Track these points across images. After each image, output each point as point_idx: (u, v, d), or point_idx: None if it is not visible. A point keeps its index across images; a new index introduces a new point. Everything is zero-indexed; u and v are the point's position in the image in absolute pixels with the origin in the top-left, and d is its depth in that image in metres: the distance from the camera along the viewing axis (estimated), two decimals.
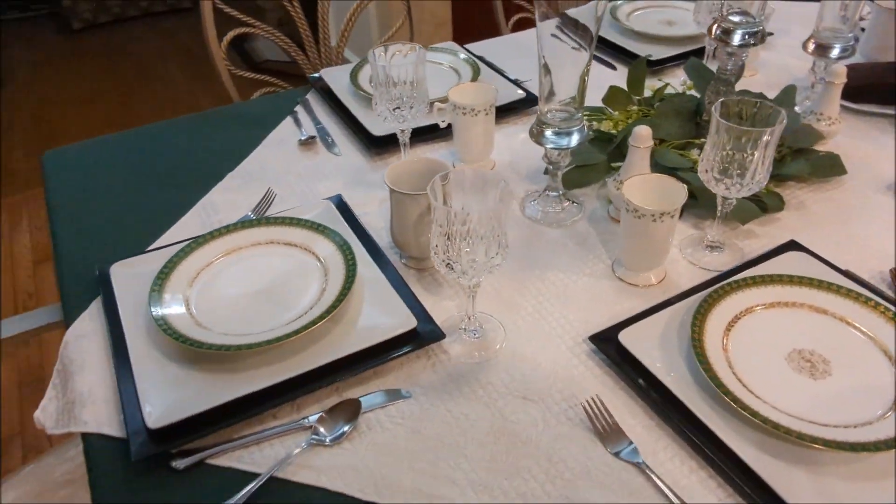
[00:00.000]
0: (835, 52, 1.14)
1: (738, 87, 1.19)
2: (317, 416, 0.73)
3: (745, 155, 0.83)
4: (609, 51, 1.45)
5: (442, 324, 0.84)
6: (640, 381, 0.75)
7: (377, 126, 1.17)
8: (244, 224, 0.94)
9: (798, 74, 1.33)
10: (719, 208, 0.90)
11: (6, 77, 3.59)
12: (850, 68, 1.24)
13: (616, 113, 1.14)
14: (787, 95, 1.12)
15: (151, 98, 3.44)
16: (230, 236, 0.93)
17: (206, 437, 0.72)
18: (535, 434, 0.72)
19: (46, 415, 0.79)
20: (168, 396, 0.73)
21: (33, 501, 1.03)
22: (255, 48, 3.61)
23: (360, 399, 0.75)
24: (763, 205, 0.98)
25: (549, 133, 0.93)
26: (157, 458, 0.70)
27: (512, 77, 1.38)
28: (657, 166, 1.02)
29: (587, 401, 0.74)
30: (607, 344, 0.79)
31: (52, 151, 1.24)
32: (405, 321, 0.81)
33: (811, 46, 1.15)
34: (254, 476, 0.69)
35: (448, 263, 0.73)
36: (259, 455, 0.71)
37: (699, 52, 1.37)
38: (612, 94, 1.13)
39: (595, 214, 1.02)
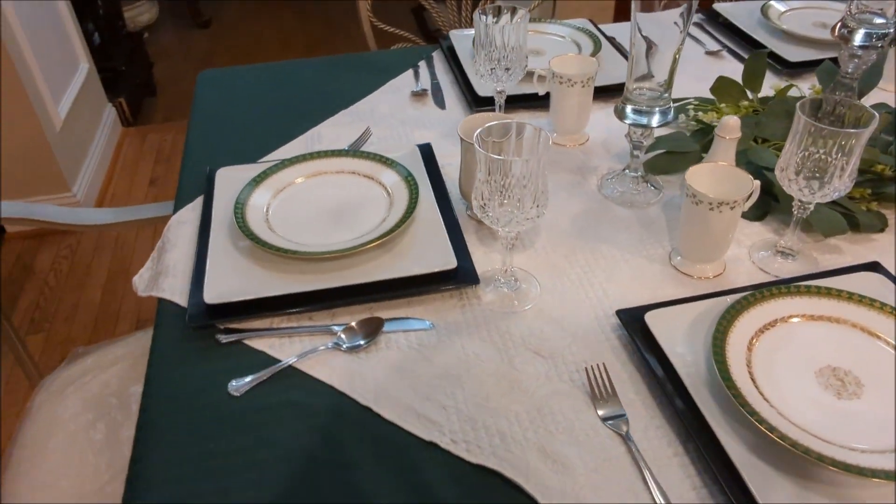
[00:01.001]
0: None
1: (873, 100, 1.10)
2: (344, 326, 0.81)
3: (826, 157, 0.78)
4: (751, 49, 1.38)
5: (483, 272, 0.88)
6: (648, 357, 0.75)
7: (483, 87, 1.22)
8: (332, 153, 1.04)
9: None
10: (795, 212, 0.85)
11: (215, 17, 4.02)
12: None
13: (724, 106, 1.10)
14: None
15: (330, 43, 3.73)
16: (318, 161, 1.02)
17: (250, 321, 0.82)
18: (534, 386, 0.75)
19: (141, 280, 0.94)
20: (228, 281, 0.84)
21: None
22: (429, 16, 3.75)
23: (385, 319, 0.82)
24: (855, 220, 0.91)
25: (629, 110, 0.93)
26: (208, 329, 0.81)
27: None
28: (748, 164, 0.98)
29: (592, 365, 0.76)
30: (633, 320, 0.79)
31: (207, 71, 1.41)
32: (446, 261, 0.86)
33: None
34: (278, 361, 0.78)
35: (484, 210, 0.77)
36: (289, 346, 0.80)
37: None
38: (722, 86, 1.09)
39: (672, 202, 1.00)
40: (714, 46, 1.42)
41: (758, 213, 0.96)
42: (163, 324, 0.84)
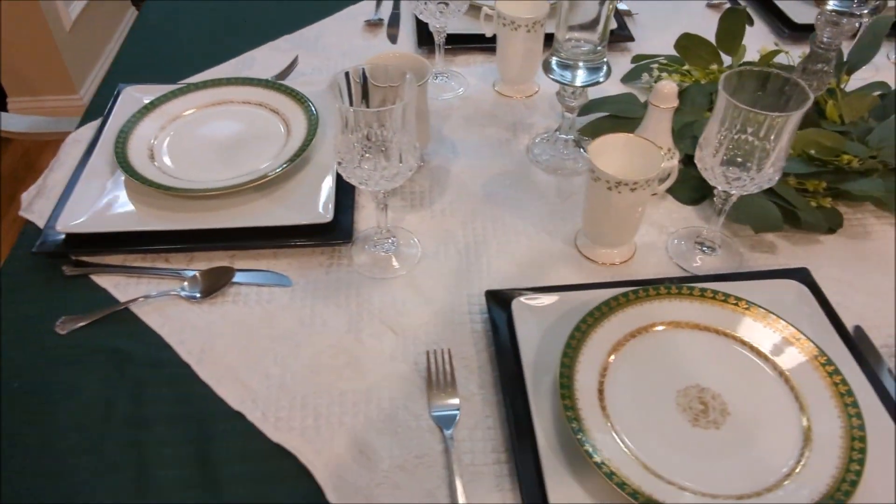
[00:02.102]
0: None
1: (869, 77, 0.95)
2: (194, 273, 0.75)
3: (751, 141, 0.66)
4: (768, 15, 1.20)
5: (365, 231, 0.80)
6: (501, 349, 0.66)
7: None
8: (242, 81, 0.95)
9: None
10: (716, 202, 0.74)
11: None
12: None
13: (687, 68, 0.96)
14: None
15: None
16: (224, 89, 0.95)
17: (104, 256, 0.77)
18: (373, 364, 0.68)
19: (28, 197, 0.89)
20: (91, 210, 0.79)
21: None
22: None
23: (239, 270, 0.75)
24: (797, 217, 0.79)
25: (555, 62, 0.81)
26: (59, 259, 0.77)
27: (623, 6, 1.21)
28: (693, 139, 0.85)
29: (436, 350, 0.68)
30: (501, 304, 0.70)
31: None
32: (320, 215, 0.78)
33: None
34: (118, 302, 0.73)
35: (342, 166, 0.68)
36: (134, 288, 0.75)
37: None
38: (689, 45, 0.95)
39: None
40: None
41: (694, 196, 0.85)
42: (20, 246, 0.80)
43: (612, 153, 0.73)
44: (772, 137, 0.65)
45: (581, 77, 0.80)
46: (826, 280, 0.75)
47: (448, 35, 1.04)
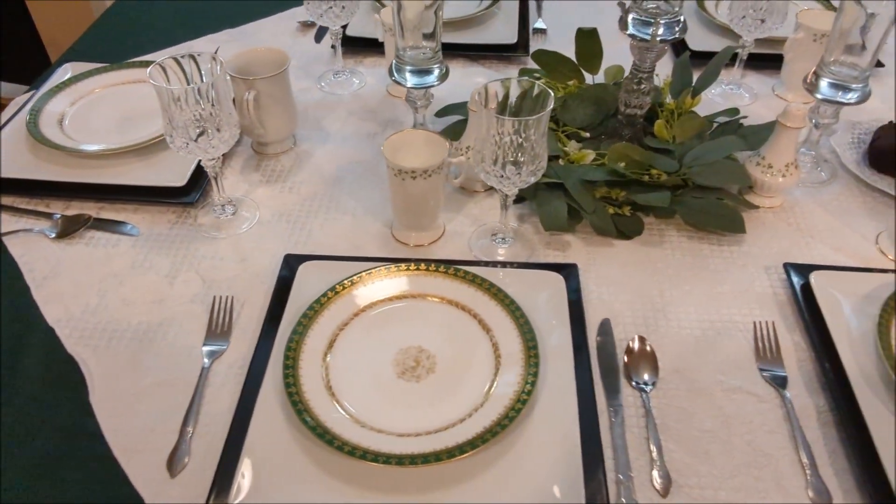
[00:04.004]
0: (847, 95, 0.89)
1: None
2: (58, 216, 0.89)
3: (509, 142, 0.74)
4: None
5: (212, 197, 0.92)
6: (272, 304, 0.77)
7: (355, 26, 1.22)
8: (139, 63, 1.11)
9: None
10: (499, 197, 0.82)
11: None
12: (885, 128, 0.98)
13: (540, 80, 1.03)
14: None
15: None
16: (130, 70, 1.10)
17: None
18: (174, 304, 0.80)
19: None
20: None
21: None
22: None
23: (98, 220, 0.89)
24: (574, 219, 0.86)
25: (394, 66, 0.92)
26: None
27: (541, 26, 1.30)
28: None
29: (222, 297, 0.79)
30: (292, 266, 0.81)
31: None
32: (176, 179, 0.91)
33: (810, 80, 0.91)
34: None
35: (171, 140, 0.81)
36: (13, 223, 0.89)
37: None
38: (549, 60, 1.03)
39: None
40: None
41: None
42: None
43: (410, 148, 0.83)
44: (522, 140, 0.73)
45: (411, 80, 0.91)
46: (599, 277, 0.82)
47: (365, 38, 1.17)
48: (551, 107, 0.72)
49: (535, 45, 1.26)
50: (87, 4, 2.44)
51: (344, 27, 1.23)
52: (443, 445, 0.61)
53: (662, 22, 0.81)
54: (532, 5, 1.37)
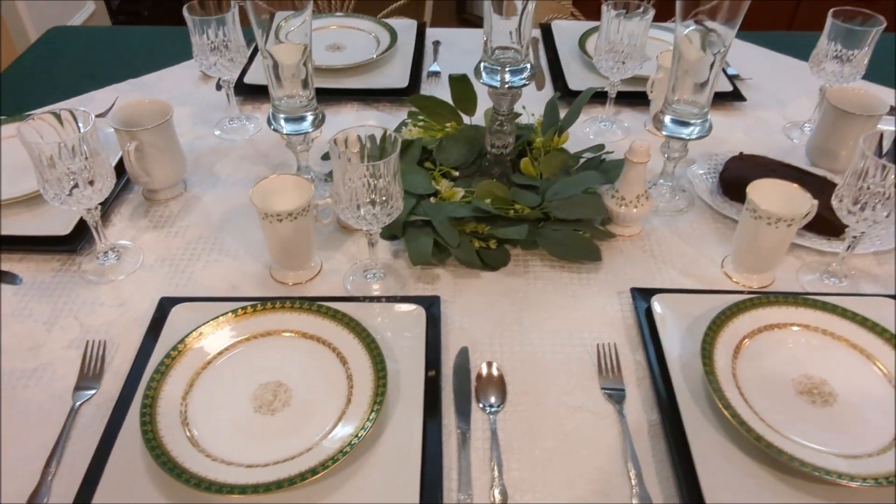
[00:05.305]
0: (688, 130, 0.96)
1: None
2: None
3: (368, 185, 0.79)
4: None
5: (103, 245, 0.95)
6: (143, 344, 0.80)
7: (253, 74, 1.28)
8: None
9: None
10: (365, 235, 0.87)
11: None
12: (734, 160, 1.06)
13: (423, 122, 1.10)
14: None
15: None
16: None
17: None
18: (52, 349, 0.82)
19: None
20: None
21: None
22: None
23: None
24: (443, 253, 0.91)
25: (270, 112, 0.97)
26: None
27: (436, 69, 1.37)
28: None
29: (95, 341, 0.82)
30: (166, 308, 0.84)
31: (62, 27, 1.55)
32: (61, 228, 0.94)
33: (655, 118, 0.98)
34: None
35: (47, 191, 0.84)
36: None
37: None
38: (427, 104, 1.09)
39: None
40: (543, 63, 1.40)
41: (386, 232, 0.98)
42: None
43: (282, 193, 0.87)
44: (375, 182, 0.78)
45: (287, 127, 0.96)
46: (463, 307, 0.88)
47: (261, 85, 1.22)
48: (398, 151, 0.78)
49: (428, 87, 1.33)
50: None
51: (242, 75, 1.29)
52: (286, 474, 0.65)
53: (508, 70, 0.88)
54: (428, 49, 1.45)
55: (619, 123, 1.22)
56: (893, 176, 0.79)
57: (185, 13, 1.07)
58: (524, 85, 0.91)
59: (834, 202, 0.85)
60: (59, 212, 0.96)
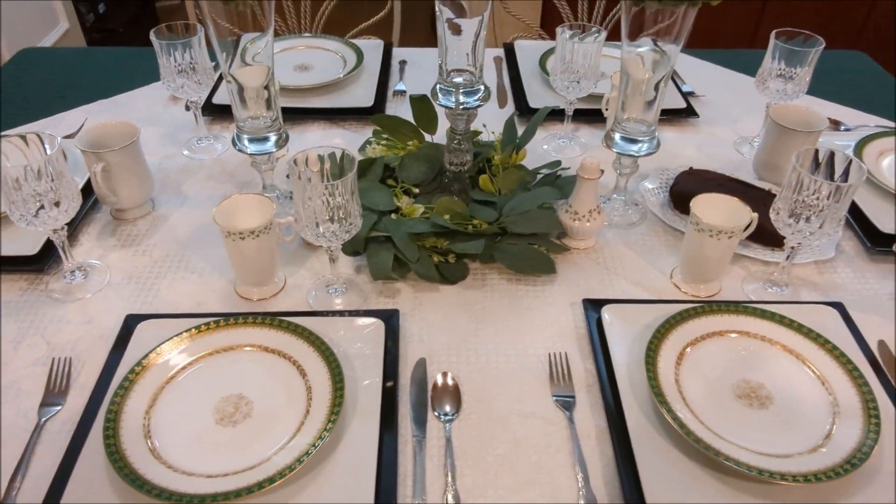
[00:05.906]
0: (636, 147, 1.00)
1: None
2: None
3: (309, 202, 0.82)
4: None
5: (70, 264, 0.97)
6: (108, 362, 0.82)
7: (220, 96, 1.31)
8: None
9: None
10: (325, 250, 0.90)
11: None
12: (684, 174, 1.10)
13: (385, 141, 1.14)
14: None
15: None
16: None
17: None
18: (19, 367, 0.84)
19: None
20: None
21: None
22: None
23: None
24: (403, 267, 0.94)
25: (245, 139, 1.00)
26: None
27: (401, 88, 1.41)
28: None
29: (60, 358, 0.84)
30: (131, 325, 0.87)
31: (34, 49, 1.57)
32: (28, 248, 0.96)
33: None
34: None
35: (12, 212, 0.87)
36: None
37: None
38: (389, 123, 1.13)
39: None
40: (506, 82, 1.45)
41: (349, 248, 1.00)
42: None
43: (246, 211, 0.90)
44: (332, 200, 0.82)
45: (251, 147, 0.99)
46: (422, 320, 0.91)
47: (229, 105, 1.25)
48: (355, 170, 0.81)
49: (393, 106, 1.37)
50: None
51: (212, 94, 1.32)
52: (245, 483, 0.67)
53: (462, 91, 0.92)
54: (395, 68, 1.49)
55: (577, 140, 1.26)
56: (826, 189, 0.83)
57: (152, 36, 1.10)
58: (479, 106, 0.95)
59: (772, 214, 0.89)
60: (26, 232, 0.98)
